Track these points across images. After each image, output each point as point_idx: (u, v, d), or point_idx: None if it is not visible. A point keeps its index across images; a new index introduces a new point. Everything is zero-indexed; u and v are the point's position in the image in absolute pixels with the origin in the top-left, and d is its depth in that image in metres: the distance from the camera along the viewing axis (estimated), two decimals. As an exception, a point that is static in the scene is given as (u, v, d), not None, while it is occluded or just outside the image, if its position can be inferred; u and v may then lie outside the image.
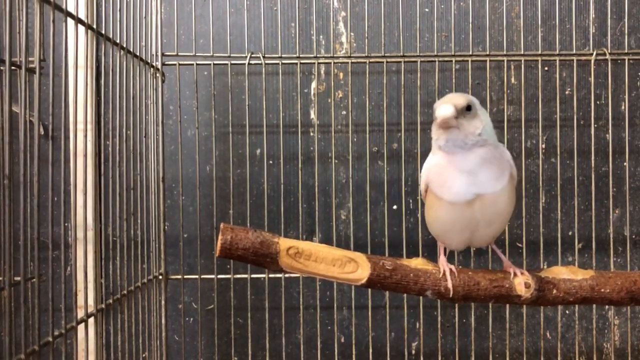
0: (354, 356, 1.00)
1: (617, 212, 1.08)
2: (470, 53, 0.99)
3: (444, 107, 0.62)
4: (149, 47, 0.94)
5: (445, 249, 0.71)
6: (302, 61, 1.00)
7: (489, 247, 0.94)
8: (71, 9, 0.66)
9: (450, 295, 0.67)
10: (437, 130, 0.64)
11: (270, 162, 1.08)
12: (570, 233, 1.06)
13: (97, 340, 0.97)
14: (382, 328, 1.07)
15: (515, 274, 0.67)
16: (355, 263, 0.66)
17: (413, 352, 1.09)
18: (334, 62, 1.03)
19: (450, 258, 1.03)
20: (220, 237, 0.63)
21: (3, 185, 0.56)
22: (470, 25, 1.00)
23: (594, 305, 1.02)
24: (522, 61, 1.00)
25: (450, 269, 0.67)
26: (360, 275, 0.66)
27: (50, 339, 0.59)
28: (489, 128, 0.65)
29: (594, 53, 0.98)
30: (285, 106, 1.08)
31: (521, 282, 0.67)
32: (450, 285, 0.66)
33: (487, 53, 0.99)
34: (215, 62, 0.99)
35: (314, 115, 1.08)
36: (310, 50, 1.06)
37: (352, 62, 1.01)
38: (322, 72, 1.09)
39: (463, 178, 0.63)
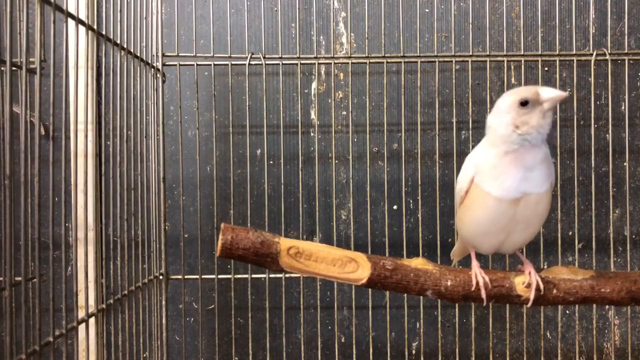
0: (354, 356, 1.00)
1: (617, 212, 1.08)
2: (470, 53, 0.99)
3: (551, 89, 0.61)
4: (150, 47, 0.94)
5: (475, 254, 0.71)
6: (303, 61, 1.00)
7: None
8: (72, 9, 0.66)
9: (484, 304, 0.67)
10: (532, 118, 0.62)
11: (271, 162, 1.08)
12: (570, 233, 1.06)
13: (98, 340, 0.97)
14: (383, 328, 1.07)
15: (529, 279, 0.67)
16: (356, 263, 0.66)
17: (413, 352, 1.09)
18: (334, 63, 1.03)
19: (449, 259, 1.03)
20: (221, 237, 0.63)
21: (4, 185, 0.56)
22: (471, 25, 1.00)
23: (594, 305, 1.02)
24: (522, 61, 1.00)
25: (484, 279, 0.67)
26: (361, 275, 0.66)
27: (51, 339, 0.59)
28: None
29: (594, 53, 0.98)
30: (286, 106, 1.08)
31: (520, 282, 0.67)
32: (484, 295, 0.66)
33: (487, 53, 0.99)
34: (216, 62, 0.99)
35: (315, 116, 1.09)
36: (311, 51, 1.06)
37: (352, 63, 1.01)
38: (323, 72, 1.09)
39: (519, 174, 0.63)
